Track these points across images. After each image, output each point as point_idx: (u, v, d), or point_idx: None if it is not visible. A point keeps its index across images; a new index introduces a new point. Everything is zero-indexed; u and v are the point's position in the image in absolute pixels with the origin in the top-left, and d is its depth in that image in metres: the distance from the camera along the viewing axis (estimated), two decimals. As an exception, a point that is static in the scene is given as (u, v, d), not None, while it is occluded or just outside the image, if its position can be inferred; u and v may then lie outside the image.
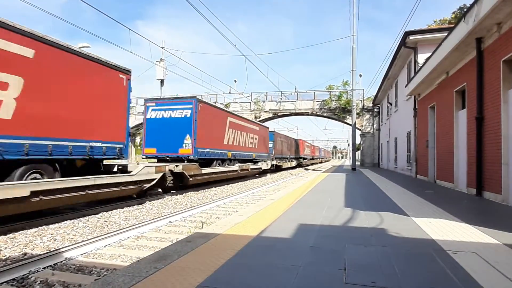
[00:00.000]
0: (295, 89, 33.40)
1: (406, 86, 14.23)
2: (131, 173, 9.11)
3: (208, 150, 14.23)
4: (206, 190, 12.99)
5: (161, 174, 10.27)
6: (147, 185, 9.72)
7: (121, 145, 9.36)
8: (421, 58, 12.50)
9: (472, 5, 6.46)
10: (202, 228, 5.48)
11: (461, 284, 2.29)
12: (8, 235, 5.54)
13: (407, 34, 12.91)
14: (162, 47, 19.90)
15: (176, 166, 11.25)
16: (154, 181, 9.95)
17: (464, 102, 8.47)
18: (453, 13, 27.58)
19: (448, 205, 5.89)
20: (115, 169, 9.84)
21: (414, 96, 13.89)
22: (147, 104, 13.91)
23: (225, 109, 20.57)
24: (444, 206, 5.75)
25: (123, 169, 9.77)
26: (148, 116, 13.70)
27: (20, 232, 5.80)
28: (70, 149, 7.63)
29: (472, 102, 7.60)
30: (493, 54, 6.58)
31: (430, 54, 9.82)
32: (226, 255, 2.88)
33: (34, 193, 6.11)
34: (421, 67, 11.13)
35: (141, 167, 9.46)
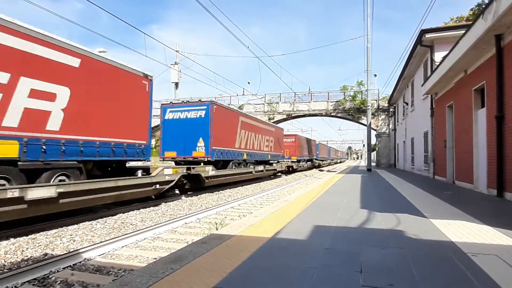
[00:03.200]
0: (309, 90, 33.21)
1: (422, 85, 13.95)
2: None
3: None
4: (221, 191, 13.06)
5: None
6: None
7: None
8: (438, 56, 12.22)
9: (490, 2, 6.29)
10: (217, 229, 5.51)
11: (482, 287, 2.23)
12: (29, 236, 5.72)
13: (423, 32, 12.66)
14: (176, 51, 20.19)
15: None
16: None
17: (483, 101, 8.24)
18: (471, 10, 26.87)
19: (467, 207, 5.73)
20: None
21: (431, 95, 13.61)
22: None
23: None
24: (463, 208, 5.60)
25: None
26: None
27: (41, 233, 5.97)
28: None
29: (491, 101, 7.39)
30: (514, 51, 6.38)
31: (447, 52, 9.59)
32: (241, 257, 2.89)
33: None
34: (438, 65, 10.89)
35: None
